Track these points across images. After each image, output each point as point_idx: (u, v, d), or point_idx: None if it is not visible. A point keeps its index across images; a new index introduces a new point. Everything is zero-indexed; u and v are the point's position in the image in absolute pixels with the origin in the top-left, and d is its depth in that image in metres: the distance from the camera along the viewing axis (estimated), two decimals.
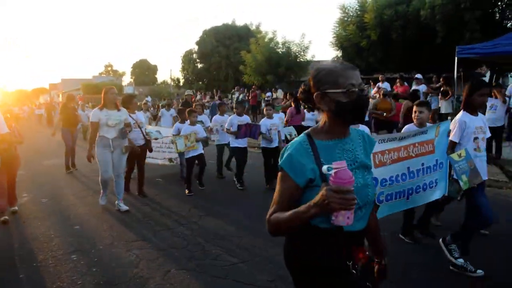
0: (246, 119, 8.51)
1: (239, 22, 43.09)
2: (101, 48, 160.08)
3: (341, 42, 18.82)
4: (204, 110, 13.39)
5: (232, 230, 5.71)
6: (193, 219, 6.23)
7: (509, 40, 10.85)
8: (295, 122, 10.16)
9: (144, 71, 74.21)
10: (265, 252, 4.85)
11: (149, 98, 30.17)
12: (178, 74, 57.79)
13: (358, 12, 17.63)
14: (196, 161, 7.97)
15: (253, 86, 24.14)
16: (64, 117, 10.67)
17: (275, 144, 8.13)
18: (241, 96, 23.97)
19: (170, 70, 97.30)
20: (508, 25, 14.74)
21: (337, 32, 19.15)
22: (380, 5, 16.21)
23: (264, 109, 8.65)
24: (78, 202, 7.48)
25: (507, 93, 11.08)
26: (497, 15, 14.93)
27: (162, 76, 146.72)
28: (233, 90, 27.85)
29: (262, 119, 8.33)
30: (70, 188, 8.66)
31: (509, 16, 14.75)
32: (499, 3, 14.74)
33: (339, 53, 21.59)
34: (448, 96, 12.38)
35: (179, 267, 4.50)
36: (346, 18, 18.32)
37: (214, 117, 9.40)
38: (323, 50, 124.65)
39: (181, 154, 8.41)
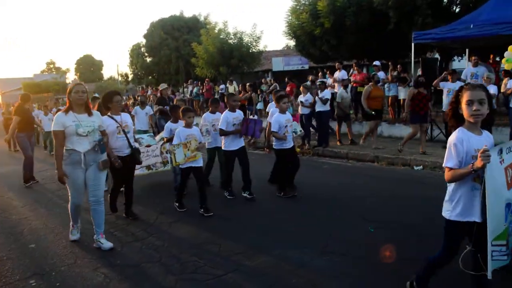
0: (240, 114, 7.26)
1: (187, 14, 42.04)
2: (41, 45, 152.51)
3: (294, 31, 18.57)
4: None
5: (208, 237, 5.32)
6: (162, 227, 5.79)
7: (462, 25, 10.97)
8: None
9: (89, 67, 71.55)
10: (249, 260, 4.51)
11: (97, 95, 28.93)
12: (126, 69, 56.08)
13: (311, 0, 17.43)
14: (192, 174, 6.48)
15: (206, 79, 23.60)
16: (20, 121, 9.07)
17: (291, 143, 7.05)
18: (195, 90, 23.38)
19: (117, 65, 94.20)
20: (457, 10, 15.00)
21: (290, 21, 18.88)
22: None
23: (278, 103, 7.12)
24: (31, 215, 6.84)
25: (462, 77, 11.26)
26: (445, 0, 15.16)
27: (109, 71, 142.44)
28: (185, 84, 27.16)
29: (275, 115, 7.05)
30: (20, 199, 7.95)
31: (457, 1, 15.01)
32: None
33: (292, 42, 21.42)
34: (407, 83, 12.45)
35: (156, 285, 4.08)
36: (298, 7, 18.08)
37: (204, 115, 7.82)
38: (274, 39, 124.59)
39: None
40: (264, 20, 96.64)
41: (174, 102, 9.78)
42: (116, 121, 5.90)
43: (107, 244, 5.05)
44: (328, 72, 17.06)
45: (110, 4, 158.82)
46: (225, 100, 7.53)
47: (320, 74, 17.10)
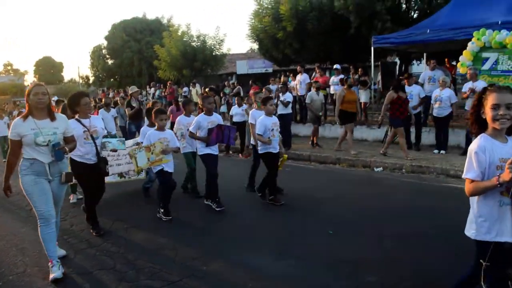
0: (217, 118, 6.68)
1: (150, 16, 41.49)
2: None
3: (257, 34, 18.63)
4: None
5: (164, 243, 5.18)
6: (118, 233, 5.60)
7: (420, 30, 11.29)
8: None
9: (49, 69, 69.61)
10: (205, 265, 4.42)
11: (55, 98, 28.12)
12: (87, 71, 54.83)
13: (273, 4, 17.51)
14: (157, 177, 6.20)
15: (169, 82, 23.31)
16: None
17: (276, 148, 6.64)
18: (157, 92, 23.06)
19: (78, 67, 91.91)
20: (414, 16, 15.41)
21: (253, 24, 18.93)
22: None
23: (265, 105, 6.61)
24: None
25: (420, 80, 11.55)
26: (403, 5, 15.55)
27: (70, 74, 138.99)
28: (147, 87, 26.77)
29: (261, 117, 6.61)
30: None
31: (414, 7, 15.43)
32: None
33: (255, 45, 21.46)
34: (367, 86, 12.67)
35: None
36: (261, 10, 18.13)
37: (179, 118, 7.37)
38: (238, 42, 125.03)
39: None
40: (227, 23, 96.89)
41: (148, 105, 9.42)
42: (83, 125, 5.26)
43: (57, 273, 4.18)
44: (291, 75, 17.17)
45: (71, 5, 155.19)
46: (184, 105, 7.69)
47: (282, 77, 17.19)
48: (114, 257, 4.77)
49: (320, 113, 12.09)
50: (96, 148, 5.36)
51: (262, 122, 6.51)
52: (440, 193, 7.06)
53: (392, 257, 4.47)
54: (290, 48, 17.19)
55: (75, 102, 5.32)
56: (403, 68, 16.75)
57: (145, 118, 8.43)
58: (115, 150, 6.01)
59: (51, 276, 4.17)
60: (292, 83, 15.75)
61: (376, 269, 4.15)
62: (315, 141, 11.72)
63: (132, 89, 12.49)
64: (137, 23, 39.02)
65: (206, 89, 17.80)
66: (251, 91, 16.07)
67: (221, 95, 18.64)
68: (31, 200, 4.19)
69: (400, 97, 9.32)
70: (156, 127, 6.17)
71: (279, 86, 12.15)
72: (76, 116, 5.35)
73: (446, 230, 5.03)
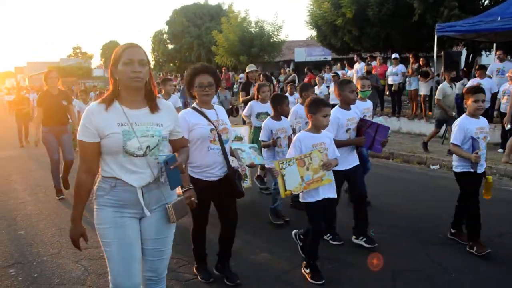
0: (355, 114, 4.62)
1: (212, 2, 41.73)
2: (69, 30, 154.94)
3: (316, 21, 18.12)
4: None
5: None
6: None
7: (489, 17, 10.38)
8: None
9: None
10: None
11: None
12: (149, 55, 56.42)
13: None
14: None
15: (224, 68, 23.31)
16: (44, 111, 6.51)
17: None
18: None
19: None
20: (486, 2, 14.32)
21: (312, 10, 18.45)
22: None
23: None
24: (30, 199, 6.74)
25: (488, 72, 10.70)
26: None
27: None
28: None
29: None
30: (22, 183, 7.87)
31: None
32: None
33: (314, 32, 20.93)
34: (429, 78, 11.92)
35: None
36: None
37: (296, 107, 5.97)
38: (297, 29, 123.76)
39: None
40: (287, 10, 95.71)
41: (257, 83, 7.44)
42: (208, 119, 3.47)
43: None
44: (346, 64, 16.58)
45: None
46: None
47: (338, 65, 16.65)
48: None
49: (454, 113, 9.40)
50: (226, 157, 3.53)
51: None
52: (501, 198, 6.45)
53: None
54: (349, 35, 16.60)
55: (190, 82, 3.51)
56: (469, 59, 15.67)
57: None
58: (252, 166, 4.63)
59: None
60: (349, 73, 15.22)
61: None
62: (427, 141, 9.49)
63: (249, 67, 9.40)
64: (198, 9, 39.41)
65: (260, 75, 17.66)
66: (306, 79, 15.76)
67: (275, 83, 18.38)
68: (106, 255, 2.44)
69: None
70: (309, 125, 3.89)
71: (332, 74, 11.67)
72: (194, 104, 3.58)
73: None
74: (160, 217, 2.49)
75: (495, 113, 10.10)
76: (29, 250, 4.65)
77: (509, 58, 12.21)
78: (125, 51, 2.33)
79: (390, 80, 13.11)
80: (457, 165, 4.37)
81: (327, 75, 13.96)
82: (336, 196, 3.91)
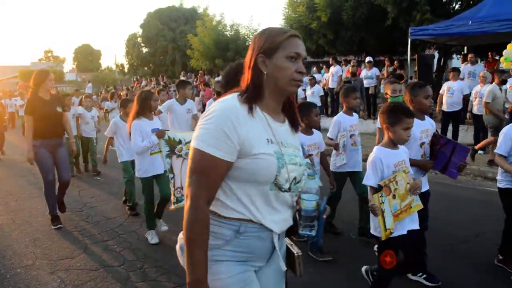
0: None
1: (187, 5, 41.50)
2: (40, 33, 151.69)
3: (291, 24, 18.20)
4: None
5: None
6: (132, 228, 5.43)
7: (461, 21, 10.63)
8: None
9: (87, 57, 70.86)
10: None
11: (90, 85, 28.64)
12: (123, 59, 55.73)
13: None
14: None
15: (200, 72, 23.20)
16: (35, 119, 5.47)
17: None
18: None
19: (114, 56, 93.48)
20: (456, 7, 14.66)
21: (287, 14, 18.56)
22: None
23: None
24: (1, 209, 6.51)
25: (461, 76, 10.93)
26: None
27: (108, 62, 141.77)
28: (181, 76, 26.84)
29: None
30: None
31: None
32: None
33: None
34: (403, 80, 12.11)
35: None
36: (295, 0, 17.77)
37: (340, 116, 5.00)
38: None
39: None
40: (262, 13, 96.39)
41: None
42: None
43: None
44: (324, 67, 16.72)
45: None
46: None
47: (314, 69, 16.78)
48: (124, 254, 4.59)
49: (506, 116, 8.54)
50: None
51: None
52: (478, 199, 6.57)
53: None
54: (324, 39, 16.73)
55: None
56: (441, 62, 16.01)
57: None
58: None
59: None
60: (325, 75, 15.33)
61: None
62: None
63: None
64: (172, 12, 39.13)
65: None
66: None
67: None
68: None
69: None
70: (385, 139, 3.18)
71: (308, 78, 11.74)
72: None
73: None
74: (277, 268, 1.82)
75: (468, 115, 10.31)
76: (1, 262, 4.47)
77: (479, 61, 12.50)
78: (289, 40, 1.66)
79: (365, 83, 13.27)
80: (501, 180, 3.87)
81: (305, 78, 14.02)
82: (418, 226, 3.14)
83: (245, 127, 1.57)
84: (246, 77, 1.69)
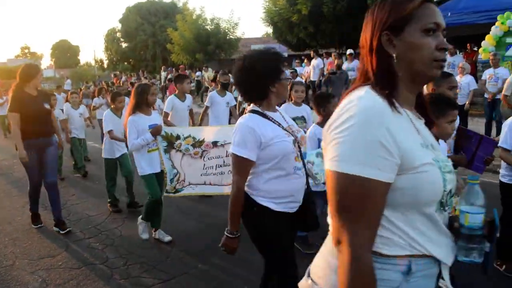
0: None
1: None
2: (16, 29, 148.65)
3: (272, 18, 18.25)
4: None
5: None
6: (114, 225, 5.35)
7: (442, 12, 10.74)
8: None
9: (65, 53, 69.72)
10: (200, 263, 4.14)
11: (69, 81, 28.17)
12: (102, 55, 55.00)
13: None
14: None
15: (180, 66, 23.02)
16: (21, 119, 5.03)
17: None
18: (169, 76, 22.83)
19: (93, 51, 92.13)
20: None
21: (268, 7, 18.56)
22: None
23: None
24: None
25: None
26: None
27: (86, 57, 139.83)
28: (161, 71, 26.61)
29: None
30: None
31: None
32: None
33: (269, 29, 21.04)
34: None
35: None
36: None
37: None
38: (253, 26, 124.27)
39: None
40: (242, 7, 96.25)
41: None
42: (282, 127, 2.53)
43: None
44: (306, 60, 16.76)
45: None
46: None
47: (297, 61, 16.78)
48: (106, 251, 4.51)
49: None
50: (307, 177, 2.57)
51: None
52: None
53: None
54: (305, 32, 16.78)
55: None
56: None
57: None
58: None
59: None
60: (306, 68, 15.34)
61: None
62: None
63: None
64: (151, 6, 38.71)
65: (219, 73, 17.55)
66: None
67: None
68: None
69: None
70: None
71: (289, 71, 11.75)
72: (252, 107, 2.60)
73: None
74: None
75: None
76: None
77: (458, 52, 12.64)
78: (423, 7, 1.23)
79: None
80: (505, 174, 3.62)
81: (286, 72, 14.03)
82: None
83: (401, 132, 1.16)
84: (369, 64, 1.29)
